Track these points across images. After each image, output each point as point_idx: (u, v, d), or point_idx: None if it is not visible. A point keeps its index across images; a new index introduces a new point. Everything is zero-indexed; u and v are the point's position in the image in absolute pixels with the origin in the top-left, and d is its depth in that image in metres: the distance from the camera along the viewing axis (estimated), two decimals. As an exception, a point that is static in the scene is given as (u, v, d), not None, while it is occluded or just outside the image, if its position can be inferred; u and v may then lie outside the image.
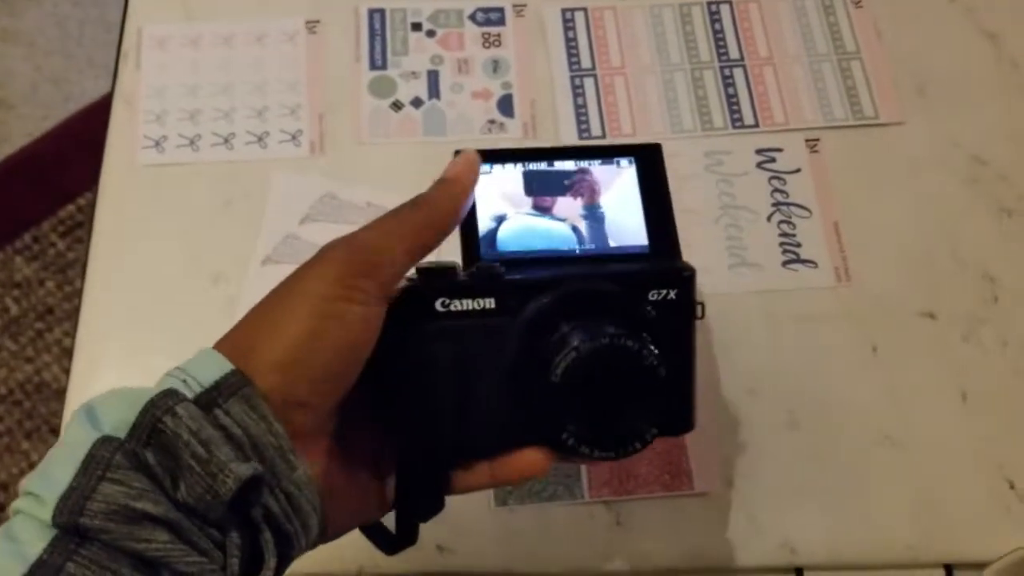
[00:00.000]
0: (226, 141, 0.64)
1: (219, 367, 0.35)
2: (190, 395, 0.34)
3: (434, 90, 0.67)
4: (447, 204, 0.40)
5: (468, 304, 0.39)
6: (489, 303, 0.39)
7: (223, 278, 0.61)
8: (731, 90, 0.68)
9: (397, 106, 0.66)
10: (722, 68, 0.69)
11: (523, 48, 0.69)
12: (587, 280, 0.39)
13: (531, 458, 0.40)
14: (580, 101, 0.67)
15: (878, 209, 0.65)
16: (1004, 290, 0.62)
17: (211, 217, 0.62)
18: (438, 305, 0.38)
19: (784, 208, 0.65)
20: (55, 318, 1.47)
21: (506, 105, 0.67)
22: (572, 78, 0.68)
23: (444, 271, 0.40)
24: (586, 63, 0.69)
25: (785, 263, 0.63)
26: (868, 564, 0.56)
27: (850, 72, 0.69)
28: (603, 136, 0.66)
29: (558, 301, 0.39)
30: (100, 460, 0.32)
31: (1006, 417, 0.59)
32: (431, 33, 0.69)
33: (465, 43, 0.69)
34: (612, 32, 0.70)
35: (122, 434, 0.33)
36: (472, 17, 0.69)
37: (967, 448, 0.58)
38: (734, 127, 0.67)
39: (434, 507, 0.40)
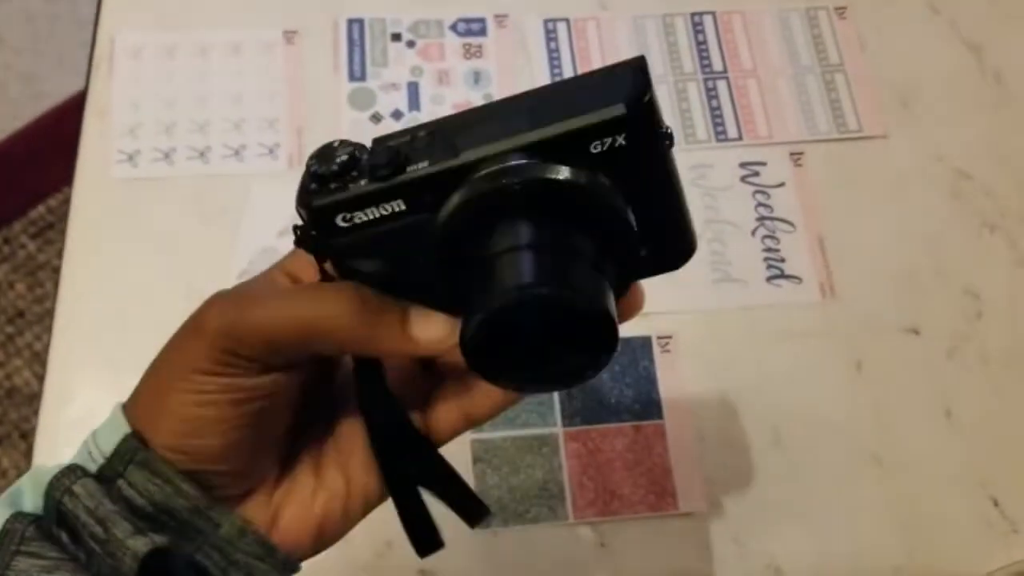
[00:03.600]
0: (202, 155, 0.63)
1: (118, 431, 0.33)
2: (94, 466, 0.33)
3: (414, 102, 0.66)
4: (376, 341, 0.34)
5: (373, 213, 0.32)
6: (398, 205, 0.32)
7: (198, 292, 0.59)
8: (715, 103, 0.68)
9: (377, 118, 0.65)
10: (705, 80, 0.68)
11: (505, 59, 0.68)
12: (504, 164, 0.31)
13: (501, 393, 0.37)
14: (563, 113, 0.66)
15: (862, 223, 0.65)
16: (988, 306, 0.62)
17: (187, 231, 0.61)
18: (339, 221, 0.32)
19: (768, 223, 0.64)
20: (26, 321, 1.44)
21: (488, 117, 0.66)
22: (555, 90, 0.67)
23: (336, 166, 0.33)
24: (568, 74, 0.68)
25: (769, 278, 0.63)
26: (853, 583, 0.56)
27: (834, 85, 0.68)
28: (586, 149, 0.65)
29: (477, 202, 0.31)
30: (14, 533, 0.32)
31: (990, 434, 0.59)
32: (411, 44, 0.68)
33: (446, 54, 0.68)
34: (595, 43, 0.69)
35: (35, 514, 0.33)
36: (453, 28, 0.68)
37: (951, 466, 0.58)
38: (718, 140, 0.66)
39: (424, 464, 0.37)
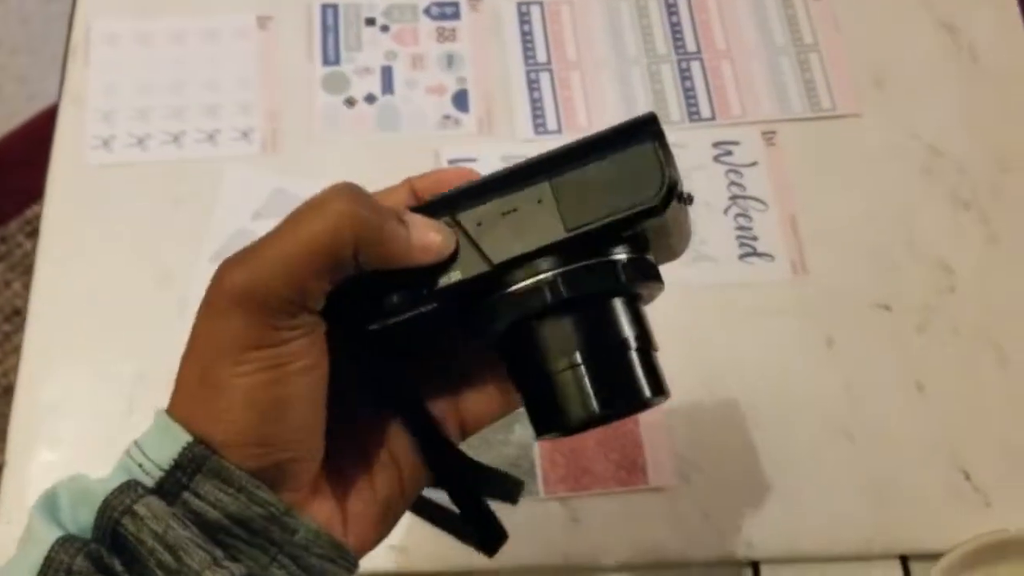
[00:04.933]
0: (176, 139, 0.63)
1: (176, 440, 0.30)
2: (151, 482, 0.30)
3: (388, 86, 0.66)
4: (386, 245, 0.31)
5: (406, 315, 0.32)
6: (429, 307, 0.33)
7: (172, 277, 0.60)
8: (688, 83, 0.68)
9: (350, 102, 0.65)
10: (679, 61, 0.69)
11: (478, 42, 0.68)
12: (545, 274, 0.32)
13: None
14: (536, 96, 0.67)
15: (834, 201, 0.65)
16: (960, 280, 0.62)
17: (161, 216, 0.61)
18: (372, 326, 0.33)
19: (741, 201, 0.65)
20: (22, 319, 1.45)
21: (461, 100, 0.66)
22: (528, 72, 0.67)
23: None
24: (542, 57, 0.68)
25: (742, 256, 0.63)
26: (824, 556, 0.56)
27: (808, 64, 0.69)
28: (559, 131, 0.66)
29: (525, 323, 0.32)
30: (60, 565, 0.28)
31: (961, 408, 0.59)
32: (385, 28, 0.68)
33: (420, 38, 0.68)
34: (568, 26, 0.69)
35: (87, 533, 0.29)
36: (427, 11, 0.69)
37: (923, 439, 0.58)
38: (691, 120, 0.67)
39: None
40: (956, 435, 0.58)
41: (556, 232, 0.32)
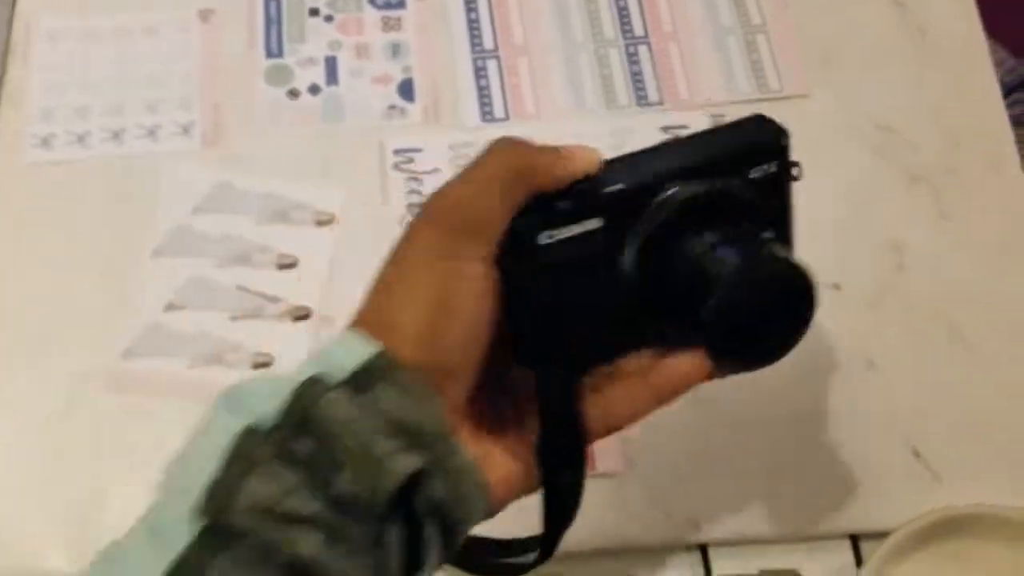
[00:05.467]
0: (116, 136, 0.63)
1: (363, 349, 0.32)
2: (336, 382, 0.32)
3: (332, 76, 0.66)
4: (554, 168, 0.36)
5: (574, 230, 0.36)
6: (595, 223, 0.36)
7: (113, 274, 0.59)
8: (636, 67, 0.67)
9: (294, 94, 0.65)
10: (627, 45, 0.68)
11: (424, 31, 0.68)
12: (691, 178, 0.37)
13: (691, 363, 0.38)
14: (483, 83, 0.66)
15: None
16: (910, 258, 0.62)
17: (101, 213, 0.61)
18: (542, 239, 0.35)
19: (690, 184, 0.64)
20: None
21: (407, 89, 0.66)
22: (475, 60, 0.67)
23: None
24: (489, 44, 0.67)
25: (691, 239, 0.62)
26: (774, 538, 0.55)
27: (755, 45, 0.68)
28: (506, 118, 0.65)
29: (676, 212, 0.37)
30: (245, 453, 0.30)
31: (911, 385, 0.59)
32: (329, 18, 0.68)
33: (364, 27, 0.67)
34: (515, 12, 0.69)
35: (268, 424, 0.31)
36: (371, 1, 0.68)
37: (873, 417, 0.58)
38: (639, 105, 0.66)
39: (578, 447, 0.38)
40: (906, 413, 0.58)
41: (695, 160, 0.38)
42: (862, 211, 0.63)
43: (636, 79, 0.67)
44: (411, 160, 0.63)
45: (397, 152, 0.63)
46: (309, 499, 0.30)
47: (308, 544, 0.29)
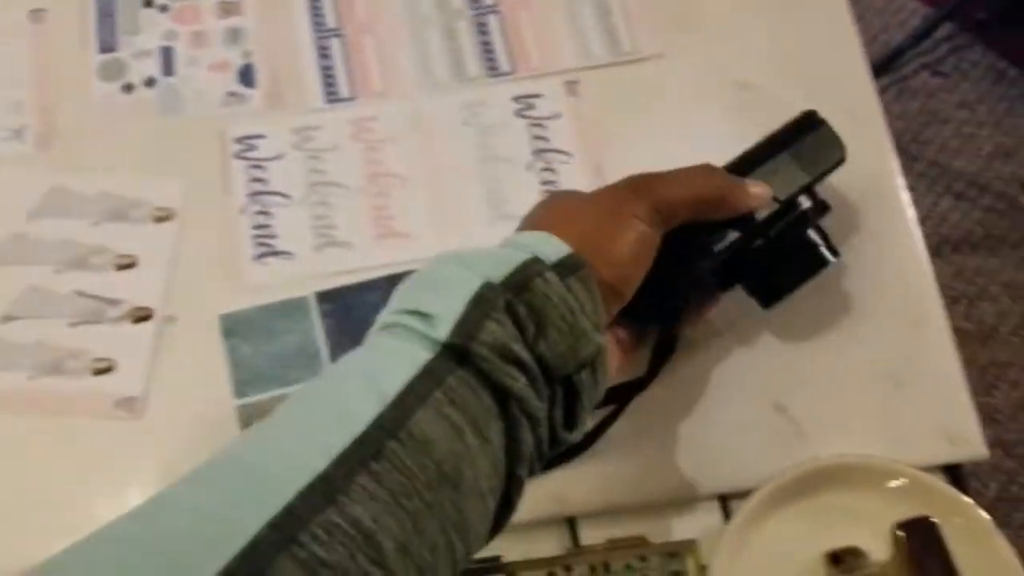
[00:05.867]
0: (-61, 145, 0.60)
1: (559, 248, 0.40)
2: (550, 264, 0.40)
3: (168, 67, 0.63)
4: (734, 199, 0.48)
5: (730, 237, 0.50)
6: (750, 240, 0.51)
7: (-55, 289, 0.57)
8: (485, 38, 0.66)
9: (128, 88, 0.62)
10: (475, 15, 0.66)
11: (264, 13, 0.66)
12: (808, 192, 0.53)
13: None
14: (326, 63, 0.64)
15: (643, 146, 0.63)
16: (768, 214, 0.61)
17: (-73, 226, 0.58)
18: (716, 247, 0.49)
19: (545, 155, 0.63)
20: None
21: (247, 75, 0.63)
22: (318, 39, 0.65)
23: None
24: (331, 22, 0.65)
25: (547, 210, 0.61)
26: (642, 504, 0.54)
27: (608, 8, 0.67)
28: (352, 98, 0.63)
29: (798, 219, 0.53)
30: (488, 301, 0.37)
31: (770, 342, 0.58)
32: (164, 8, 0.65)
33: (201, 15, 0.65)
34: (359, -11, 0.67)
35: (497, 284, 0.38)
36: (208, -13, 0.66)
37: (734, 377, 0.57)
38: (490, 76, 0.65)
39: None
40: (767, 370, 0.57)
41: (803, 179, 0.53)
42: (721, 169, 0.62)
43: (486, 49, 0.65)
44: (254, 147, 0.61)
45: (238, 140, 0.61)
46: (523, 349, 0.37)
47: (519, 382, 0.37)
